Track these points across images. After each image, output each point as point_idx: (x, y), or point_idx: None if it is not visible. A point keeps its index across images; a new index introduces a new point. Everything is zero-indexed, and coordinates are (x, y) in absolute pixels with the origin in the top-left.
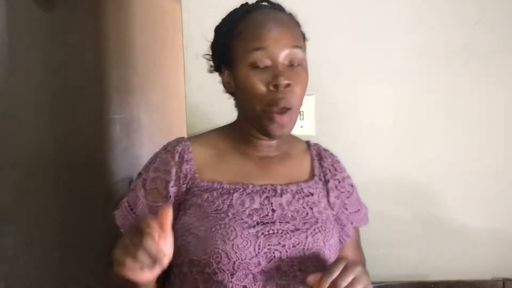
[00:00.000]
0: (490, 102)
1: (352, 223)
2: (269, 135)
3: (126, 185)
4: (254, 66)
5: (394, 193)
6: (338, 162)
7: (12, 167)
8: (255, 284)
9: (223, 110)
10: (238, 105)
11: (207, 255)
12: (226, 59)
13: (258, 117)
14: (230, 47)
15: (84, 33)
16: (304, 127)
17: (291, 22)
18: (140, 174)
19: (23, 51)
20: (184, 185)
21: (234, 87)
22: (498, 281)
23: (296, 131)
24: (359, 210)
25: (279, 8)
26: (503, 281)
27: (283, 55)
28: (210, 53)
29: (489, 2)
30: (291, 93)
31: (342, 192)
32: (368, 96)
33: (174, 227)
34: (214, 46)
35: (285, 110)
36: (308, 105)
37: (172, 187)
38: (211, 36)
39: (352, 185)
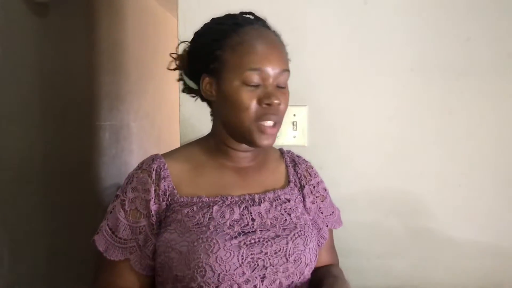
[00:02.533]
0: (481, 117)
1: (327, 226)
2: (257, 145)
3: (114, 192)
4: (246, 83)
5: (385, 204)
6: (311, 167)
7: (1, 171)
8: None
9: None
10: (217, 114)
11: (191, 269)
12: (211, 68)
13: (247, 130)
14: (219, 58)
15: (76, 39)
16: (296, 137)
17: (281, 44)
18: (117, 196)
19: (15, 56)
20: (164, 202)
21: (215, 97)
22: None
23: (289, 141)
24: (333, 212)
25: (267, 25)
26: None
27: (273, 77)
28: (187, 57)
29: (480, 20)
30: (279, 110)
31: (317, 197)
32: (361, 108)
33: (156, 245)
34: (197, 52)
35: (274, 124)
36: (301, 115)
37: (153, 205)
38: None
39: (325, 189)
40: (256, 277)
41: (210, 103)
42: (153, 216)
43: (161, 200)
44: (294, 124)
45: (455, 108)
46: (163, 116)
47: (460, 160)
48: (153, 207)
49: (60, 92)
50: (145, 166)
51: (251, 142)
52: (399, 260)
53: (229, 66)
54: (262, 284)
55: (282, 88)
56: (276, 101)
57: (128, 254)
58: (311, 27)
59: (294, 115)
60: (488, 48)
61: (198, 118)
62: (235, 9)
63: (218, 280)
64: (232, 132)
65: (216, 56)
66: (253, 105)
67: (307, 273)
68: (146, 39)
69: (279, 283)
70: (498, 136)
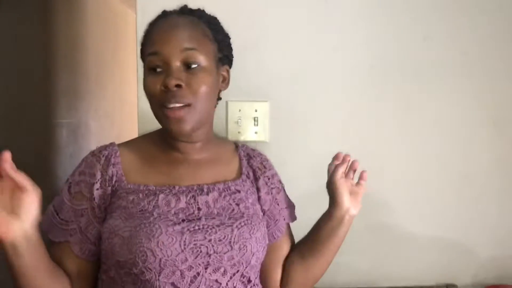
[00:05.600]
0: (438, 114)
1: (284, 219)
2: (171, 133)
3: None
4: (151, 69)
5: None
6: (267, 160)
7: None
8: (183, 280)
9: None
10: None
11: (132, 254)
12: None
13: (159, 117)
14: (142, 53)
15: (32, 34)
16: (258, 133)
17: (190, 26)
18: (67, 179)
19: None
20: (110, 188)
21: None
22: (442, 287)
23: (250, 137)
24: (288, 206)
25: (188, 12)
26: (447, 286)
27: (174, 58)
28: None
29: (437, 19)
30: (185, 92)
31: (272, 188)
32: (322, 104)
33: (101, 232)
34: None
35: (182, 106)
36: (262, 111)
37: (97, 189)
38: None
39: (280, 182)
40: (199, 264)
41: None
42: (95, 200)
43: (107, 185)
44: (255, 120)
45: (414, 105)
46: (123, 115)
47: (417, 156)
48: (97, 192)
49: (15, 89)
50: (97, 151)
51: (167, 131)
52: (359, 256)
53: (143, 58)
54: (206, 272)
55: (193, 68)
56: (172, 82)
57: (68, 236)
58: (272, 24)
59: (256, 111)
60: (445, 47)
61: None
62: (193, 4)
63: (160, 266)
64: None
65: (142, 53)
66: (157, 90)
67: (254, 263)
68: (107, 38)
69: (224, 271)
70: (454, 133)
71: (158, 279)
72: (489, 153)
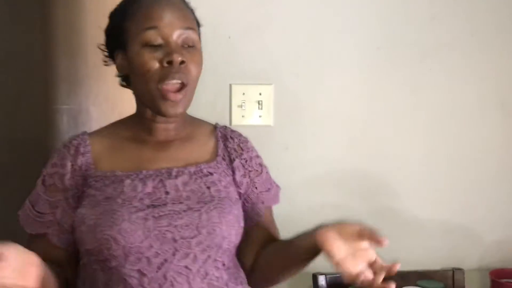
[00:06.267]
0: (445, 96)
1: (263, 203)
2: (163, 114)
3: None
4: (147, 45)
5: (350, 185)
6: (245, 142)
7: None
8: (149, 267)
9: None
10: (133, 87)
11: (97, 242)
12: (119, 41)
13: (151, 96)
14: (123, 29)
15: (31, 19)
16: (262, 117)
17: (183, 5)
18: (42, 171)
19: None
20: (80, 178)
21: (127, 69)
22: (448, 271)
23: (255, 120)
24: (269, 189)
25: None
26: (453, 270)
27: (176, 35)
28: (104, 40)
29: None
30: (186, 70)
31: (250, 171)
32: (327, 87)
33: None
34: (108, 31)
35: (180, 86)
36: (266, 94)
37: (68, 179)
38: None
39: (261, 164)
40: (166, 251)
41: (128, 81)
42: (68, 191)
43: (77, 175)
44: (259, 103)
45: (421, 87)
46: (124, 100)
47: (423, 139)
48: (68, 182)
49: (15, 74)
50: (67, 142)
51: (158, 111)
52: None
53: (131, 33)
54: (174, 258)
55: (190, 47)
56: (179, 58)
57: (45, 228)
58: (277, 5)
59: (260, 94)
60: (453, 27)
61: None
62: None
63: (124, 253)
64: (143, 102)
65: (121, 29)
66: (155, 66)
67: (227, 247)
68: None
69: (194, 256)
70: (462, 115)
71: (124, 266)
72: (497, 136)
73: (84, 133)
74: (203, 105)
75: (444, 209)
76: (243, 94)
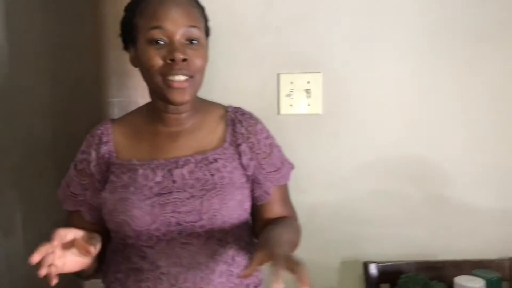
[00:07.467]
0: (501, 80)
1: (271, 182)
2: (171, 102)
3: None
4: (152, 42)
5: (403, 172)
6: (254, 124)
7: (10, 150)
8: (159, 244)
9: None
10: (144, 79)
11: (114, 224)
12: (131, 36)
13: (159, 87)
14: (133, 24)
15: (81, 14)
16: (311, 105)
17: (189, 4)
18: (76, 155)
19: (22, 34)
20: (104, 164)
21: (137, 62)
22: (505, 260)
23: (303, 109)
24: (278, 169)
25: None
26: (510, 260)
27: (179, 34)
28: (120, 33)
29: None
30: (189, 66)
31: (258, 154)
32: (377, 74)
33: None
34: (122, 24)
35: (185, 79)
36: (315, 82)
37: (94, 166)
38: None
39: (271, 145)
40: (172, 231)
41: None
42: (95, 176)
43: (101, 162)
44: (308, 92)
45: (476, 72)
46: None
47: (479, 125)
48: (94, 168)
49: (67, 69)
50: (93, 130)
51: (166, 99)
52: (417, 228)
53: (139, 30)
54: (180, 236)
55: (194, 44)
56: (180, 56)
57: (78, 206)
58: None
59: (308, 83)
60: (507, 8)
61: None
62: None
63: (136, 234)
64: (153, 94)
65: (132, 25)
66: (159, 62)
67: (229, 227)
68: None
69: (198, 235)
70: None
71: (138, 243)
72: None
73: (107, 121)
74: (251, 94)
75: (500, 195)
76: (291, 83)
